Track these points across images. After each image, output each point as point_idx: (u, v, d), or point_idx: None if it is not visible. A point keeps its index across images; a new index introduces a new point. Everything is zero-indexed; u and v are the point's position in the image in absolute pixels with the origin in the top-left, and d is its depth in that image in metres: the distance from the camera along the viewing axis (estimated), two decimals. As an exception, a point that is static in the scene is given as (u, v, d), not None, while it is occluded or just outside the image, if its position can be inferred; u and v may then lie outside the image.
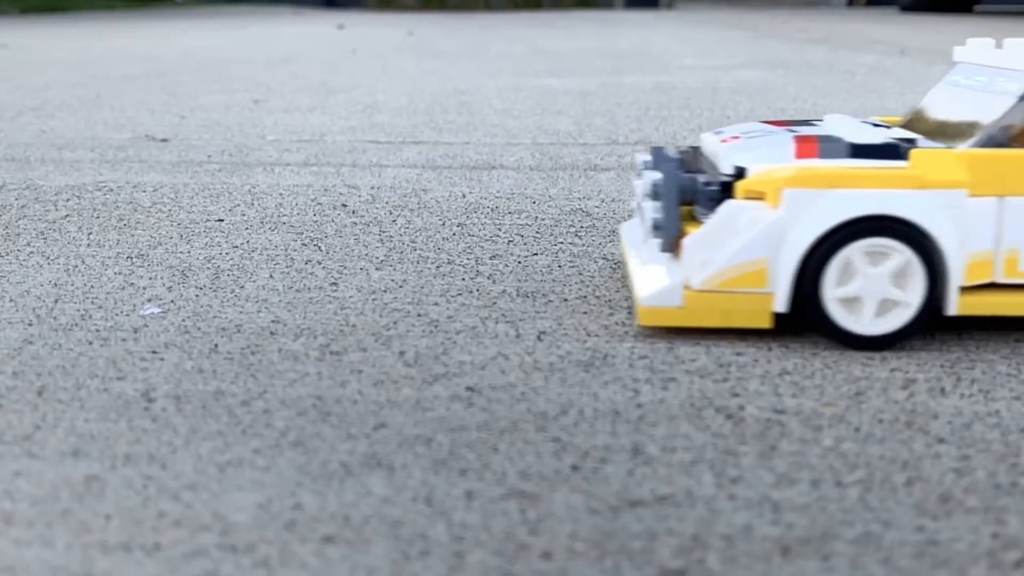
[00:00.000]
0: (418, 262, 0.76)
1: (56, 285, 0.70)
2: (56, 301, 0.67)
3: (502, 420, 0.49)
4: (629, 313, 0.64)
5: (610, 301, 0.67)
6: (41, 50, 2.95)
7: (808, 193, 0.57)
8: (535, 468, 0.44)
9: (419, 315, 0.64)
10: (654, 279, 0.61)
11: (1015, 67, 0.62)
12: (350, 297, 0.68)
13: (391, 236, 0.84)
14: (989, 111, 0.61)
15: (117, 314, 0.64)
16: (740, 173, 0.60)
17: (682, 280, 0.60)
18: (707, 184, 0.61)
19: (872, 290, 0.57)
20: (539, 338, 0.60)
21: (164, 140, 1.33)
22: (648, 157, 0.66)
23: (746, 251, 0.58)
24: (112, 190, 1.02)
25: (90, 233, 0.85)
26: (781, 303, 0.58)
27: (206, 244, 0.81)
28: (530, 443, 0.47)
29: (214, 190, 1.02)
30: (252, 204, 0.96)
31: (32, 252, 0.79)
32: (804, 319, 0.59)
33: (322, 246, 0.81)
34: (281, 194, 1.00)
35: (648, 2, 6.04)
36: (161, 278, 0.72)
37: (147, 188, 1.03)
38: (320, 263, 0.76)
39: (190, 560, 0.38)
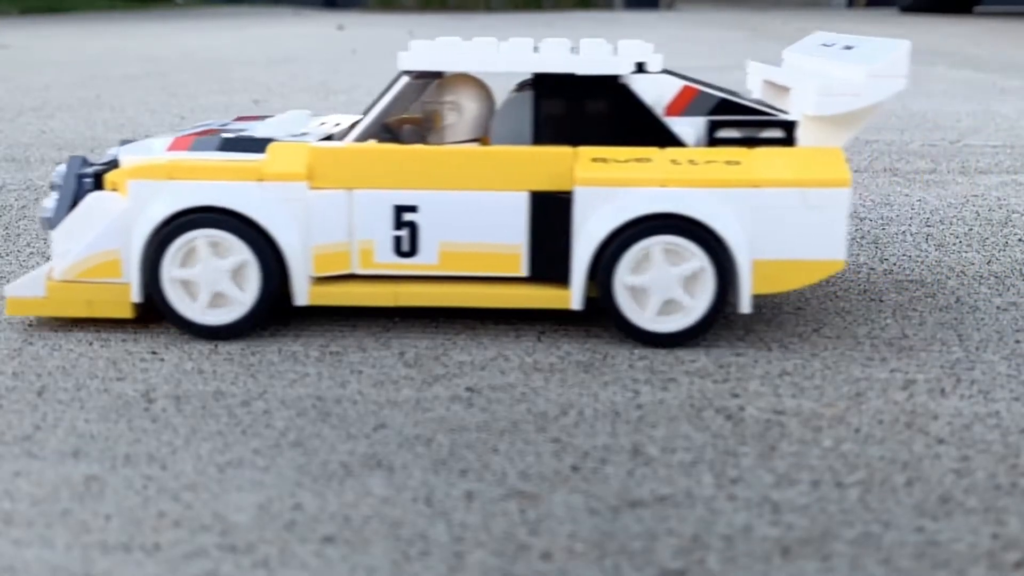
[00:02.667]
0: (418, 262, 0.76)
1: (56, 285, 0.70)
2: (56, 301, 0.67)
3: (502, 420, 0.49)
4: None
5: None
6: (41, 50, 2.96)
7: (150, 185, 0.59)
8: (535, 468, 0.44)
9: (419, 315, 0.64)
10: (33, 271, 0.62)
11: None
12: (350, 297, 0.68)
13: (391, 236, 0.84)
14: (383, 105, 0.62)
15: (117, 314, 0.64)
16: (115, 165, 0.62)
17: (47, 270, 0.61)
18: (82, 176, 0.62)
19: (207, 279, 0.58)
20: (539, 338, 0.60)
21: (164, 140, 1.33)
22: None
23: (100, 242, 0.59)
24: (112, 190, 1.02)
25: (90, 233, 0.85)
26: (136, 293, 0.59)
27: (206, 244, 0.81)
28: (530, 443, 0.47)
29: (214, 190, 1.02)
30: (252, 204, 0.96)
31: (32, 252, 0.79)
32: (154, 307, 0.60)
33: (322, 246, 0.80)
34: (281, 194, 1.00)
35: (648, 3, 6.03)
36: (161, 278, 0.72)
37: (147, 188, 1.03)
38: (320, 263, 0.76)
39: (190, 560, 0.38)
